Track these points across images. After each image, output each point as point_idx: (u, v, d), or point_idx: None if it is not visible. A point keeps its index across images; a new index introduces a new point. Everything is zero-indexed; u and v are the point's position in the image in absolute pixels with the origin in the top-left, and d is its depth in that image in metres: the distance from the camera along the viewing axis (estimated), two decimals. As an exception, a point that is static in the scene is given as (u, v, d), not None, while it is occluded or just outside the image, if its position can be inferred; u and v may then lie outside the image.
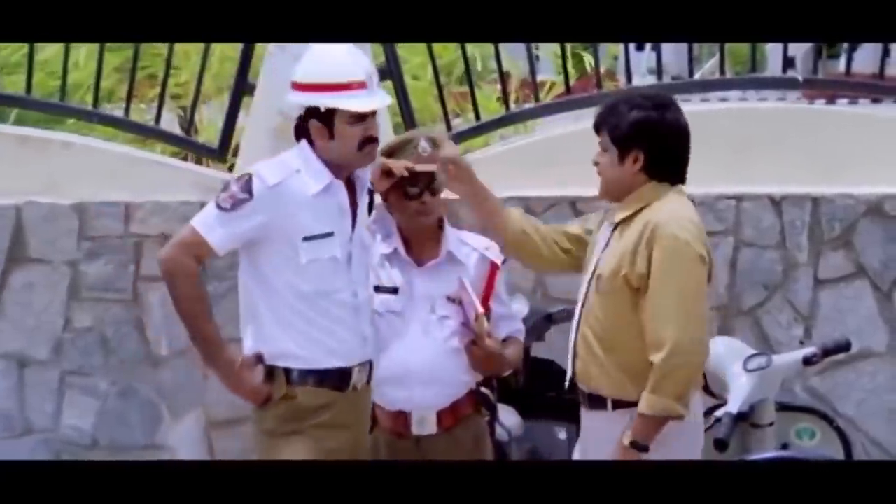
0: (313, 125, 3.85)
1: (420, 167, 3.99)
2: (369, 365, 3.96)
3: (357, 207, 3.94)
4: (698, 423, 3.85)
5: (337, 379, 3.87)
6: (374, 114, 3.85)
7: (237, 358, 3.86)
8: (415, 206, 4.04)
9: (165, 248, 3.83)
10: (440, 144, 4.05)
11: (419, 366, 4.01)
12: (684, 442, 3.74)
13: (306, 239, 3.81)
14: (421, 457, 4.02)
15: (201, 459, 3.79)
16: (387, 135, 5.45)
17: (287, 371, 3.85)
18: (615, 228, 3.82)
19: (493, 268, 4.12)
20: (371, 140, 3.86)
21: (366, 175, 3.99)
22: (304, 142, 3.89)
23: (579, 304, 3.89)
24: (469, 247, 4.14)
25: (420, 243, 4.11)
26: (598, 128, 3.85)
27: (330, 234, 3.85)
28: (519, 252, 4.10)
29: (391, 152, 4.07)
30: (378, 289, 4.06)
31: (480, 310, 3.97)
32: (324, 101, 3.80)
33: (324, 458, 3.82)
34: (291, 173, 3.82)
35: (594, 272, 3.84)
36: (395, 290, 4.07)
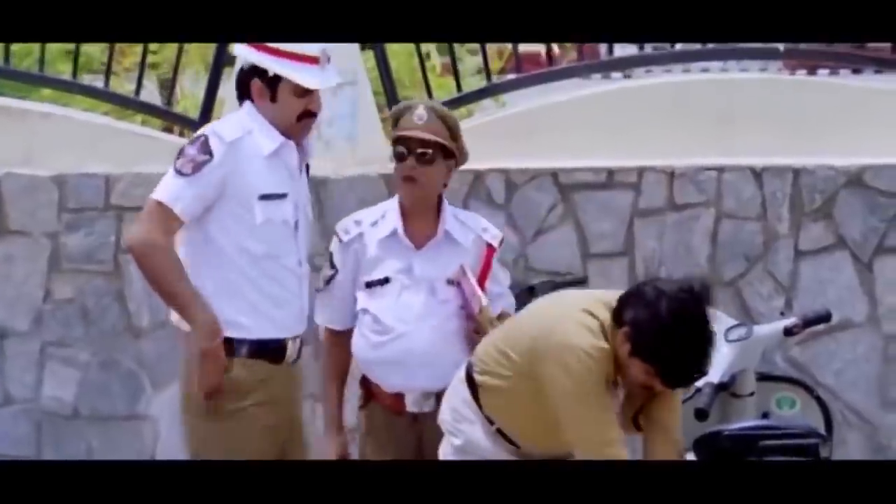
0: (255, 85, 3.83)
1: (405, 132, 3.97)
2: (299, 340, 3.93)
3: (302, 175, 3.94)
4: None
5: (273, 351, 3.84)
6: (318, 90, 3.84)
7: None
8: (401, 169, 3.99)
9: (132, 230, 3.79)
10: (441, 115, 4.02)
11: (418, 349, 3.96)
12: None
13: (262, 198, 3.78)
14: (417, 433, 4.01)
15: (190, 459, 3.77)
16: (369, 106, 5.45)
17: (226, 341, 3.78)
18: None
19: (490, 250, 4.10)
20: (310, 114, 3.86)
21: (311, 145, 3.97)
22: (249, 104, 3.86)
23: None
24: (466, 227, 4.10)
25: (418, 222, 4.05)
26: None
27: (284, 196, 3.83)
28: None
29: (396, 118, 4.05)
30: (368, 284, 4.03)
31: (485, 302, 3.95)
32: (274, 66, 3.79)
33: (264, 437, 3.79)
34: (245, 132, 3.80)
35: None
36: (385, 281, 4.03)
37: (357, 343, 4.09)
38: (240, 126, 3.81)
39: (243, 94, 3.89)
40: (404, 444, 4.04)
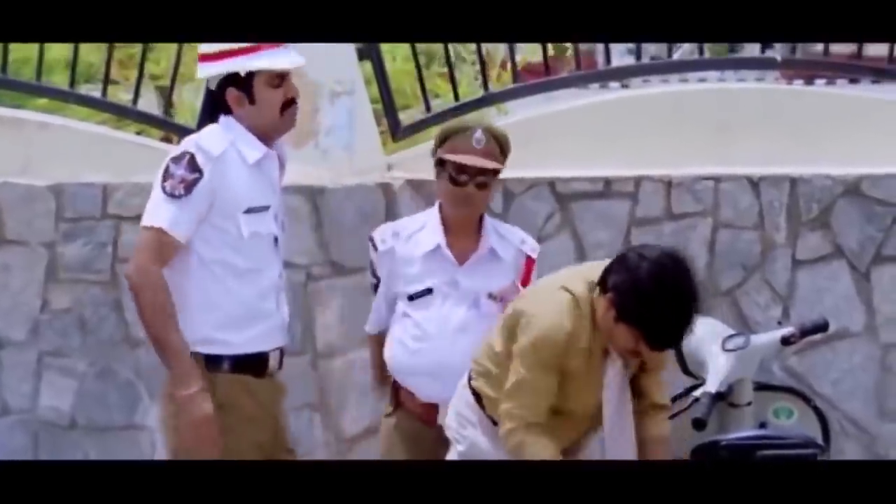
0: (231, 94, 3.78)
1: (471, 161, 3.99)
2: (280, 351, 3.91)
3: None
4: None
5: (256, 365, 3.81)
6: (289, 75, 3.80)
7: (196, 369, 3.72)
8: (460, 194, 4.02)
9: (132, 262, 3.73)
10: (496, 136, 4.05)
11: (455, 362, 3.97)
12: None
13: (247, 211, 3.75)
14: (444, 445, 4.00)
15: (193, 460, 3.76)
16: (367, 116, 5.45)
17: (208, 358, 3.75)
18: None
19: (529, 262, 4.14)
20: (291, 102, 3.82)
21: (284, 151, 3.94)
22: (225, 117, 3.81)
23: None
24: (506, 240, 4.14)
25: (460, 237, 4.08)
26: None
27: (267, 208, 3.81)
28: None
29: (447, 136, 4.06)
30: (411, 297, 4.05)
31: None
32: (241, 64, 3.75)
33: (252, 453, 3.76)
34: (229, 144, 3.76)
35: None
36: (429, 291, 4.05)
37: (394, 349, 4.11)
38: (223, 138, 3.77)
39: (216, 112, 3.84)
40: (430, 455, 4.04)
